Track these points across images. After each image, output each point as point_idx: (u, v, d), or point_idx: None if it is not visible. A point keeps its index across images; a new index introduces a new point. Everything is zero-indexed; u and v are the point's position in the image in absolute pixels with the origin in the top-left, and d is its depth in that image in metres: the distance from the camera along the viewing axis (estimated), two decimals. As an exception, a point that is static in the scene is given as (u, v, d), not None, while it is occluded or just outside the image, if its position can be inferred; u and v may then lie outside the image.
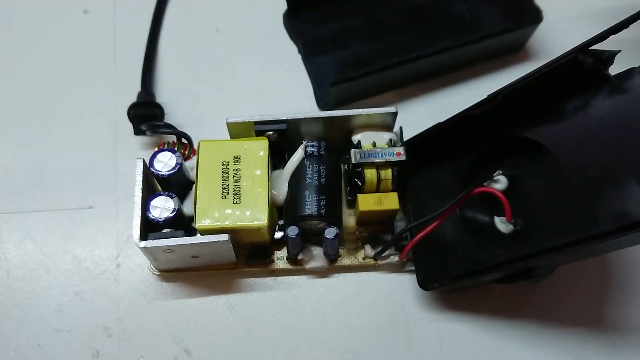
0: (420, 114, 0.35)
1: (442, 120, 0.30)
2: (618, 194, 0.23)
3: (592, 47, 0.25)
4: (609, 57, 0.25)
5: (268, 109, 0.33)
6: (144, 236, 0.27)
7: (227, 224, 0.27)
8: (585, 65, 0.25)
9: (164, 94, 0.36)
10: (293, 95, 0.36)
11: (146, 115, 0.33)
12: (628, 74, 0.24)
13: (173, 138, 0.33)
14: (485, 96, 0.28)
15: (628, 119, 0.24)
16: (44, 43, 0.37)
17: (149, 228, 0.27)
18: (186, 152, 0.32)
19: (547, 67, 0.25)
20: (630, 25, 0.24)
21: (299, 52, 0.37)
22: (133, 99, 0.34)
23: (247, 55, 0.37)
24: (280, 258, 0.31)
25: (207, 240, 0.27)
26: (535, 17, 0.35)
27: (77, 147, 0.34)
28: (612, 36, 0.24)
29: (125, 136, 0.34)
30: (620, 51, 0.25)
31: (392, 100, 0.36)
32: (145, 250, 0.27)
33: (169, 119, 0.35)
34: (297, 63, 0.37)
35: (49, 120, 0.35)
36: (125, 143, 0.34)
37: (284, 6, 0.37)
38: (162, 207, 0.28)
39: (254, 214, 0.27)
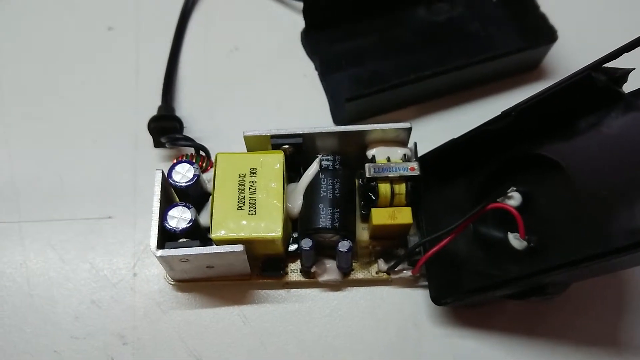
0: (435, 131, 0.36)
1: (456, 136, 0.30)
2: (630, 211, 0.23)
3: (606, 65, 0.25)
4: (623, 74, 0.25)
5: (285, 124, 0.34)
6: (161, 245, 0.27)
7: (242, 234, 0.28)
8: (598, 83, 0.25)
9: (184, 108, 0.37)
10: (310, 110, 0.37)
11: (166, 128, 0.33)
12: (642, 92, 0.25)
13: (191, 150, 0.33)
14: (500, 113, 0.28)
15: (640, 137, 0.24)
16: (70, 58, 0.39)
17: (166, 237, 0.28)
18: (204, 165, 0.32)
19: (560, 84, 0.26)
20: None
21: (316, 69, 0.38)
22: (154, 112, 0.35)
23: (266, 72, 0.38)
24: (294, 270, 0.31)
25: (222, 251, 0.27)
26: (550, 36, 0.36)
27: (99, 159, 0.35)
28: (628, 53, 0.24)
29: (146, 149, 0.35)
30: (634, 69, 0.25)
31: (406, 116, 0.37)
32: (161, 259, 0.27)
33: (188, 132, 0.35)
34: (314, 80, 0.38)
35: (72, 132, 0.36)
36: (145, 155, 0.35)
37: (302, 24, 0.38)
38: (179, 217, 0.28)
39: (268, 226, 0.28)
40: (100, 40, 0.39)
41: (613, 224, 0.24)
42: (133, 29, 0.39)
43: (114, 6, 0.40)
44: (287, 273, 0.31)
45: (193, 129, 0.36)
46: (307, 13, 0.37)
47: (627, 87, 0.25)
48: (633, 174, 0.24)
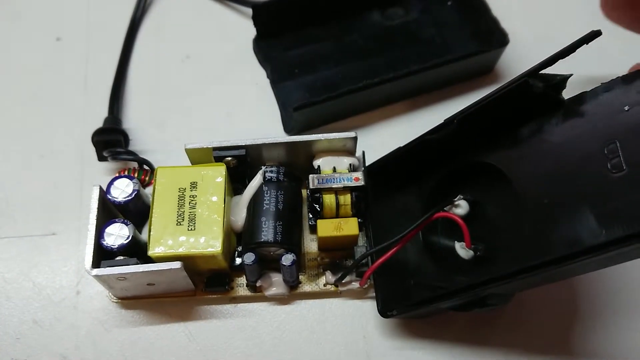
0: (389, 138, 0.35)
1: (403, 144, 0.30)
2: (571, 220, 0.23)
3: (543, 71, 0.24)
4: (561, 81, 0.25)
5: (236, 134, 0.33)
6: (97, 264, 0.27)
7: (181, 251, 0.27)
8: (536, 90, 0.24)
9: (132, 120, 0.36)
10: (261, 120, 0.36)
11: (109, 141, 0.33)
12: (580, 98, 0.24)
13: (136, 164, 0.33)
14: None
15: (581, 144, 0.24)
16: (16, 69, 0.38)
17: (104, 255, 0.27)
18: (147, 179, 0.32)
19: (498, 92, 0.25)
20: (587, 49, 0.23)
21: (268, 77, 0.37)
22: (101, 125, 0.34)
23: (217, 81, 0.37)
24: (241, 285, 0.30)
25: (159, 268, 0.26)
26: (502, 40, 0.35)
27: (44, 173, 0.34)
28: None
29: (92, 162, 0.34)
30: (571, 75, 0.25)
31: (360, 123, 0.36)
32: (98, 278, 0.27)
33: (135, 144, 0.35)
34: (266, 88, 0.37)
35: (16, 145, 0.35)
36: (91, 169, 0.34)
37: (253, 32, 0.38)
38: (117, 234, 0.27)
39: (208, 241, 0.27)
40: (48, 50, 0.38)
41: (554, 233, 0.23)
42: (82, 39, 0.39)
43: (62, 16, 0.40)
44: (233, 288, 0.30)
45: (141, 141, 0.35)
46: (257, 19, 0.37)
47: (567, 93, 0.25)
48: (573, 183, 0.23)
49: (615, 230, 0.21)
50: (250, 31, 0.38)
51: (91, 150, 0.34)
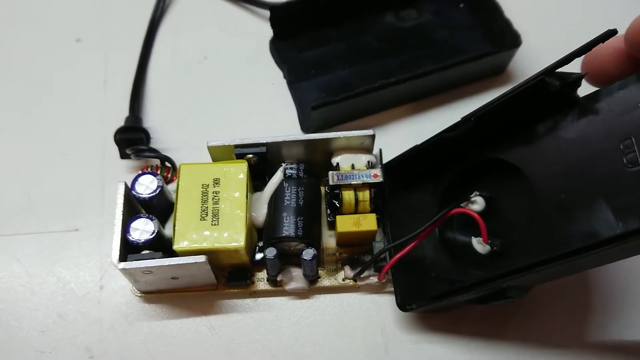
0: (404, 137, 0.36)
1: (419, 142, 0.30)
2: (586, 214, 0.23)
3: (559, 70, 0.25)
4: (577, 79, 0.25)
5: (254, 132, 0.34)
6: (123, 258, 0.27)
7: (205, 245, 0.28)
8: (552, 88, 0.25)
9: (152, 119, 0.37)
10: (278, 119, 0.37)
11: (132, 139, 0.33)
12: (596, 95, 0.25)
13: (158, 162, 0.33)
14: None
15: (596, 140, 0.24)
16: (38, 70, 0.38)
17: (129, 250, 0.28)
18: (169, 175, 0.32)
19: (515, 90, 0.26)
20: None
21: (284, 77, 0.38)
22: (122, 124, 0.35)
23: (234, 81, 0.38)
24: (261, 279, 0.31)
25: (185, 262, 0.27)
26: (514, 41, 0.36)
27: (67, 171, 0.35)
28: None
29: (113, 160, 0.35)
30: (587, 73, 0.25)
31: (376, 123, 0.37)
32: (124, 271, 0.27)
33: (156, 142, 0.35)
34: (283, 88, 0.38)
35: (40, 144, 0.36)
36: (112, 167, 0.35)
37: (270, 33, 0.38)
38: (142, 229, 0.28)
39: (231, 236, 0.28)
40: (68, 52, 0.39)
41: (571, 227, 0.24)
42: (101, 41, 0.39)
43: (82, 18, 0.40)
44: (253, 282, 0.31)
45: (161, 139, 0.36)
46: (274, 21, 0.37)
47: (582, 92, 0.26)
48: (589, 178, 0.24)
49: (632, 222, 0.21)
50: (267, 32, 0.38)
51: (112, 149, 0.34)
